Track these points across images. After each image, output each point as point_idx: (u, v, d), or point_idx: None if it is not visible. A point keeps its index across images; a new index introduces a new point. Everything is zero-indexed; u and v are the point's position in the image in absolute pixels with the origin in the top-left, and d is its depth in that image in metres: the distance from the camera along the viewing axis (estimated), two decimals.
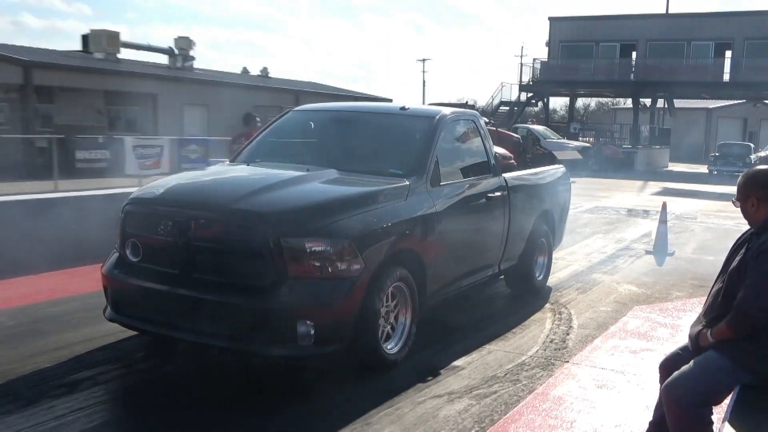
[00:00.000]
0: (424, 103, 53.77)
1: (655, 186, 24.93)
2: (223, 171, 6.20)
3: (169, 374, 5.32)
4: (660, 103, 45.35)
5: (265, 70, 42.81)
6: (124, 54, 33.19)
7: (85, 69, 28.29)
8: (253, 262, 4.69)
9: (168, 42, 36.54)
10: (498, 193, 6.61)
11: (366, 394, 4.78)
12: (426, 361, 5.44)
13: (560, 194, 8.42)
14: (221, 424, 4.36)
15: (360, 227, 4.88)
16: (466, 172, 6.45)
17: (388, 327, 5.17)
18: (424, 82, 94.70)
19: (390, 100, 42.76)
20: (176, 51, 35.76)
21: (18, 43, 34.16)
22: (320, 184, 5.45)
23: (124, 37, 33.64)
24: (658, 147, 41.45)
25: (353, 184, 5.57)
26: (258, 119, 10.67)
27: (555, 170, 8.60)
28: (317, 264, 4.63)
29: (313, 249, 4.61)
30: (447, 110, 6.58)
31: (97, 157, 21.26)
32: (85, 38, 33.00)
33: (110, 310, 5.21)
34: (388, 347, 5.12)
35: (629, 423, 4.41)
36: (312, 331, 4.49)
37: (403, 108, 6.61)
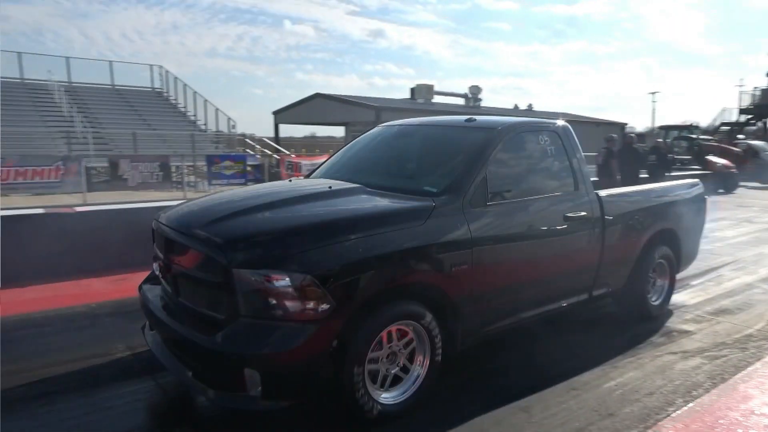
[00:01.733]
0: (653, 125, 48.04)
1: None
2: (247, 189, 4.22)
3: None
4: None
5: (530, 106, 41.39)
6: (436, 99, 34.47)
7: (413, 109, 29.76)
8: (212, 293, 2.98)
9: (464, 89, 37.15)
10: (582, 213, 4.06)
11: (611, 347, 4.29)
12: (661, 325, 4.83)
13: (688, 211, 5.29)
14: None
15: (336, 258, 2.85)
16: (535, 189, 3.90)
17: (395, 370, 3.17)
18: (653, 110, 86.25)
19: (625, 125, 38.97)
20: (469, 95, 36.21)
21: (371, 95, 37.16)
22: (317, 204, 3.39)
23: (436, 88, 34.91)
24: None
25: (356, 205, 3.39)
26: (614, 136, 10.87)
27: (680, 185, 5.46)
28: (273, 301, 2.75)
29: (267, 283, 2.75)
30: (515, 121, 4.11)
31: None
32: (412, 90, 34.84)
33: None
34: (385, 396, 3.09)
35: None
36: (259, 385, 2.73)
37: (469, 120, 4.24)
